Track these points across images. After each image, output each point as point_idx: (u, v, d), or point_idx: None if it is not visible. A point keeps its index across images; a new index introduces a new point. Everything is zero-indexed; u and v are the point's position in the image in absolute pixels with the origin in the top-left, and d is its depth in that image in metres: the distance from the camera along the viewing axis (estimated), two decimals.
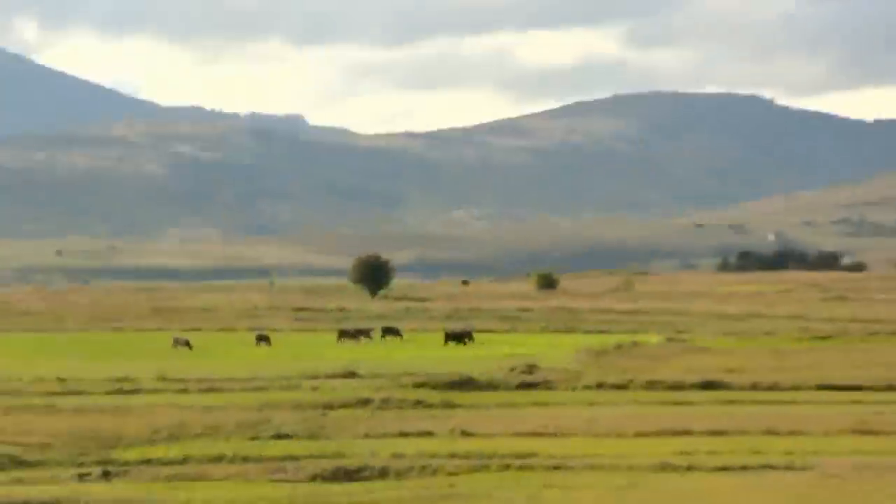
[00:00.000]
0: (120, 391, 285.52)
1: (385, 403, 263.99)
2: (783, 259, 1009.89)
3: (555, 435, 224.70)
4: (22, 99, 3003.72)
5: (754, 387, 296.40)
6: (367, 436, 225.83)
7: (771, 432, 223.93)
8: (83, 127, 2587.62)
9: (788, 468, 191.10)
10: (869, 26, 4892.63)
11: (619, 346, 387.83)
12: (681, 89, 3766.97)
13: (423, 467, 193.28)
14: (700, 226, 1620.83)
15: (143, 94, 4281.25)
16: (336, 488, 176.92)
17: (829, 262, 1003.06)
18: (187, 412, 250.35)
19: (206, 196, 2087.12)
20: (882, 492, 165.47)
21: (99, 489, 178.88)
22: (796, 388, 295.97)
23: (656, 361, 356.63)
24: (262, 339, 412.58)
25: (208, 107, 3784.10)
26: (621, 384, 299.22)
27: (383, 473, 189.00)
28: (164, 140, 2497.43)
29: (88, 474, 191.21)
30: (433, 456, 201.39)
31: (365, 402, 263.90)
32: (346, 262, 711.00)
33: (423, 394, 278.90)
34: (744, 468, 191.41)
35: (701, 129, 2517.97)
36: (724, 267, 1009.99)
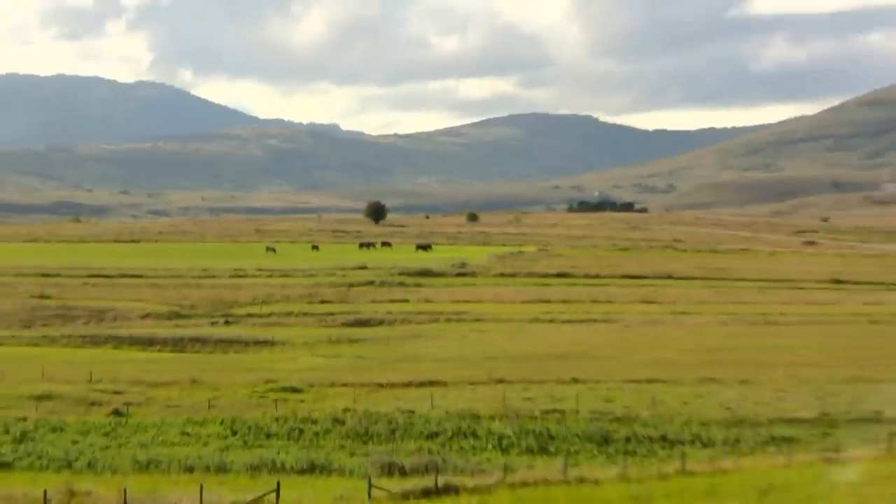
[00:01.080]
0: (247, 275, 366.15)
1: (382, 283, 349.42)
2: (603, 205, 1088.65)
3: (476, 301, 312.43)
4: (182, 115, 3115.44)
5: (586, 276, 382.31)
6: (372, 301, 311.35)
7: (595, 301, 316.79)
8: (217, 129, 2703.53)
9: (605, 321, 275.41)
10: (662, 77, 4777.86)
11: (511, 253, 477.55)
12: (548, 111, 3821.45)
13: (404, 319, 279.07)
14: (557, 187, 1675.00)
15: (252, 112, 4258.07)
16: (356, 330, 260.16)
17: (628, 207, 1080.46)
18: (272, 288, 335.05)
19: (285, 168, 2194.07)
20: (656, 334, 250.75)
21: (223, 330, 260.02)
22: (609, 276, 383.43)
23: (532, 262, 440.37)
24: (314, 247, 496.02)
25: (286, 118, 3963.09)
26: (513, 274, 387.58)
27: (381, 322, 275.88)
28: (261, 137, 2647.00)
29: (216, 322, 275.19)
30: (409, 313, 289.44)
31: (371, 283, 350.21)
32: (362, 205, 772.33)
33: (403, 278, 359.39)
34: (580, 321, 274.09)
35: (552, 135, 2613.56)
36: (570, 210, 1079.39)
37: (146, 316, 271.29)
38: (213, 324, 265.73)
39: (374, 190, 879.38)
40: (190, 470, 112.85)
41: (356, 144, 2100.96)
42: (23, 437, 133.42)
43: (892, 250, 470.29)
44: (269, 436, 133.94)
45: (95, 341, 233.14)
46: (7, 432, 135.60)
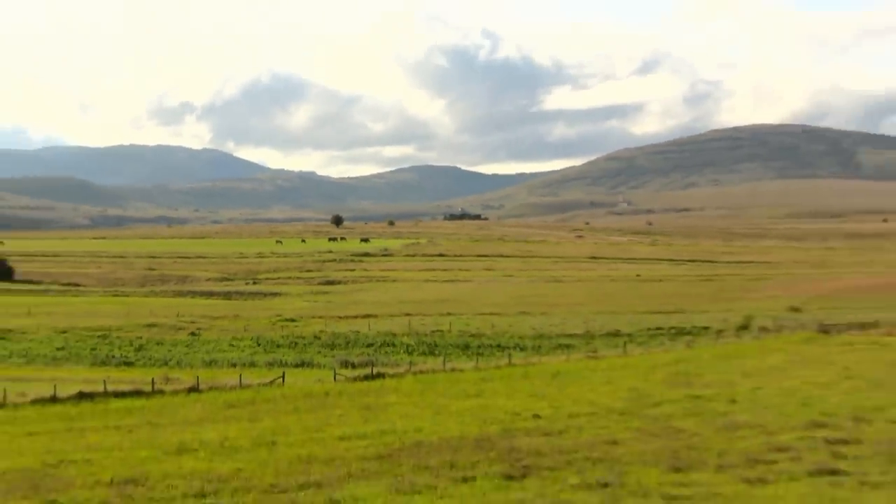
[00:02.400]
0: (265, 256, 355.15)
1: (341, 260, 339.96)
2: (463, 216, 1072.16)
3: (393, 270, 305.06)
4: (228, 166, 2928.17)
5: (454, 255, 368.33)
6: (335, 270, 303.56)
7: (460, 269, 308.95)
8: (247, 175, 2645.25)
9: (465, 281, 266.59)
10: (496, 144, 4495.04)
11: (413, 243, 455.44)
12: (432, 164, 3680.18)
13: (353, 280, 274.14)
14: (437, 206, 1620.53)
15: (267, 165, 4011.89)
16: (326, 286, 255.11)
17: (477, 217, 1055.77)
18: (279, 263, 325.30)
19: (285, 197, 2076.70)
20: (493, 288, 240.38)
21: (252, 287, 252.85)
22: (467, 255, 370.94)
23: (424, 248, 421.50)
24: (303, 240, 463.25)
25: (286, 168, 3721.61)
26: (413, 254, 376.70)
27: (340, 282, 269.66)
28: (273, 179, 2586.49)
29: (248, 282, 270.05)
30: (356, 276, 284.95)
31: (334, 260, 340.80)
32: (329, 217, 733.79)
33: (352, 257, 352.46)
34: (451, 281, 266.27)
35: (435, 177, 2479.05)
36: (445, 219, 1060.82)
37: (208, 280, 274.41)
38: (246, 284, 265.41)
39: (336, 208, 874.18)
40: (234, 365, 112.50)
41: (326, 183, 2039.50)
42: (140, 348, 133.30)
43: (623, 241, 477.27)
44: (278, 346, 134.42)
45: (180, 294, 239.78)
46: (131, 345, 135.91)
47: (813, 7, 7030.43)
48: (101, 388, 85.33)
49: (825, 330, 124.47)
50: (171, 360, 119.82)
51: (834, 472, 43.92)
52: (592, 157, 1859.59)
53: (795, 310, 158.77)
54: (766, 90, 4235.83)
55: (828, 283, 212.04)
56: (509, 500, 40.20)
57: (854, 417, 58.74)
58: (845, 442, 51.08)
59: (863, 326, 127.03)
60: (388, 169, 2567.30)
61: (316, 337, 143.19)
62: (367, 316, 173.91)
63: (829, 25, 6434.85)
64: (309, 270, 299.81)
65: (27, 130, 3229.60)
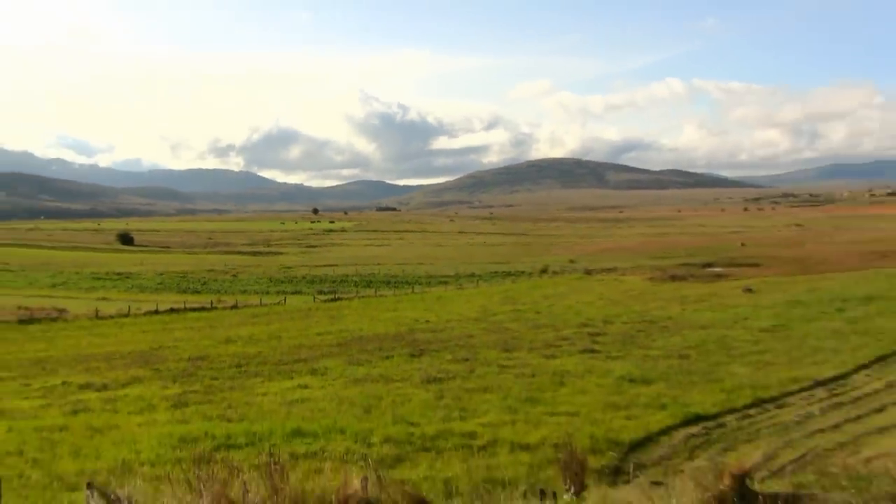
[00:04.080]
0: (275, 231, 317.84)
1: (317, 234, 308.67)
2: (387, 209, 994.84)
3: (347, 242, 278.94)
4: (255, 183, 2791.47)
5: (381, 231, 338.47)
6: (314, 239, 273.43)
7: (386, 238, 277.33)
8: (262, 187, 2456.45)
9: (388, 245, 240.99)
10: (405, 168, 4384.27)
11: (358, 224, 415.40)
12: (371, 179, 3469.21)
13: (325, 245, 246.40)
14: (380, 204, 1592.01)
15: (277, 180, 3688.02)
16: (309, 249, 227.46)
17: (395, 209, 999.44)
18: (282, 235, 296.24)
19: (285, 198, 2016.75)
20: (407, 249, 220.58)
21: (266, 249, 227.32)
22: (390, 231, 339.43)
23: (364, 226, 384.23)
24: (295, 222, 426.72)
25: (288, 182, 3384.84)
26: (358, 231, 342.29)
27: (317, 245, 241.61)
28: (280, 191, 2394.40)
29: (264, 248, 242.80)
30: (326, 243, 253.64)
31: (315, 234, 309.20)
32: (310, 209, 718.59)
33: (324, 233, 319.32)
34: (379, 245, 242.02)
35: (373, 188, 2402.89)
36: (379, 210, 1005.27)
37: (242, 244, 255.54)
38: (263, 247, 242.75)
39: (314, 204, 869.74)
40: (257, 293, 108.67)
41: (309, 190, 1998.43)
42: (204, 283, 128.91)
43: (476, 223, 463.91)
44: (281, 282, 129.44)
45: (226, 252, 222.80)
46: (198, 281, 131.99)
47: (580, 92, 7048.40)
48: (181, 306, 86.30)
49: (588, 272, 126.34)
50: (221, 290, 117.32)
51: (593, 351, 45.33)
52: (460, 176, 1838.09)
53: (572, 261, 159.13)
54: (556, 138, 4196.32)
55: (589, 247, 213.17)
56: (413, 368, 41.11)
57: (604, 320, 60.04)
58: (599, 334, 52.21)
59: (609, 270, 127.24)
60: (344, 182, 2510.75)
61: (303, 277, 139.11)
62: (332, 265, 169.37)
63: (589, 102, 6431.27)
64: (299, 240, 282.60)
65: (140, 159, 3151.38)
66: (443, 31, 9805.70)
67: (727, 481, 6.97)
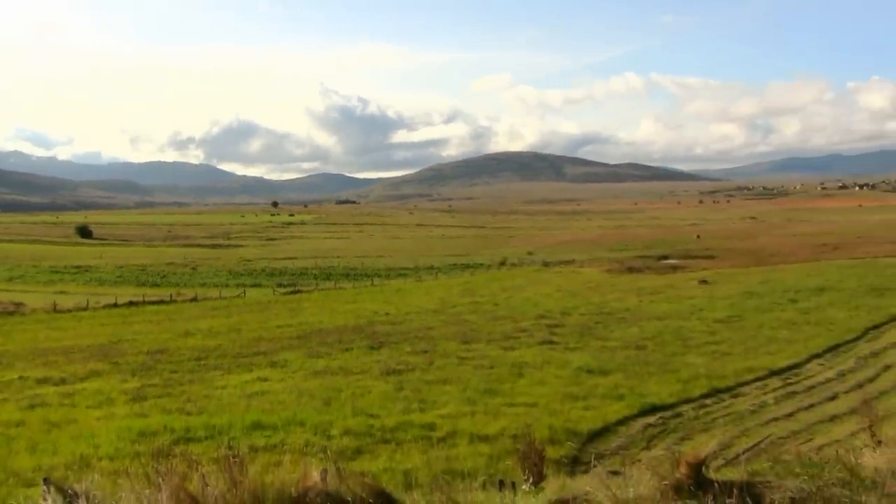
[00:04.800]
0: (235, 224, 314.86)
1: (277, 227, 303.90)
2: (346, 202, 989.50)
3: (307, 235, 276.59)
4: (213, 176, 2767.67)
5: (339, 224, 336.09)
6: (274, 232, 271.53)
7: (345, 231, 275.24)
8: (220, 180, 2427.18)
9: (347, 238, 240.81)
10: (365, 161, 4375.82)
11: (317, 217, 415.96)
12: (330, 172, 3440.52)
13: (285, 237, 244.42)
14: (340, 197, 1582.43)
15: (236, 173, 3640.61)
16: (269, 241, 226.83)
17: (355, 202, 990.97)
18: (242, 228, 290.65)
19: (244, 190, 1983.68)
20: (367, 242, 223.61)
21: (226, 242, 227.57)
22: (348, 223, 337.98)
23: (324, 219, 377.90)
24: (255, 214, 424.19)
25: (248, 175, 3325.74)
26: (318, 223, 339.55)
27: (276, 238, 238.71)
28: (240, 182, 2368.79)
29: (223, 240, 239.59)
30: (287, 236, 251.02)
31: (275, 226, 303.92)
32: (269, 202, 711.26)
33: (284, 225, 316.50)
34: (339, 238, 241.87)
35: (332, 181, 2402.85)
36: (339, 203, 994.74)
37: (202, 237, 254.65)
38: (223, 240, 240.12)
39: (274, 197, 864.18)
40: (216, 286, 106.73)
41: (269, 183, 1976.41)
42: (163, 276, 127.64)
43: (434, 215, 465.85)
44: (241, 275, 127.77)
45: (185, 245, 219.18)
46: (158, 274, 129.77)
47: (539, 86, 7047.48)
48: (141, 299, 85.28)
49: (546, 264, 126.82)
50: (180, 283, 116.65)
51: (551, 342, 45.44)
52: (419, 169, 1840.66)
53: (530, 253, 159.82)
54: (515, 132, 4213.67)
55: (548, 239, 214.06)
56: (372, 360, 41.05)
57: (562, 312, 60.23)
58: (557, 326, 52.35)
59: (567, 262, 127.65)
60: (305, 175, 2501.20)
61: (263, 270, 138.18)
62: (292, 258, 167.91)
63: (548, 96, 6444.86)
64: (258, 233, 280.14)
65: (100, 152, 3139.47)
66: (403, 25, 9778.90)
67: (683, 470, 7.05)
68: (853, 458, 7.62)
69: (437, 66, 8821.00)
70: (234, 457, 8.24)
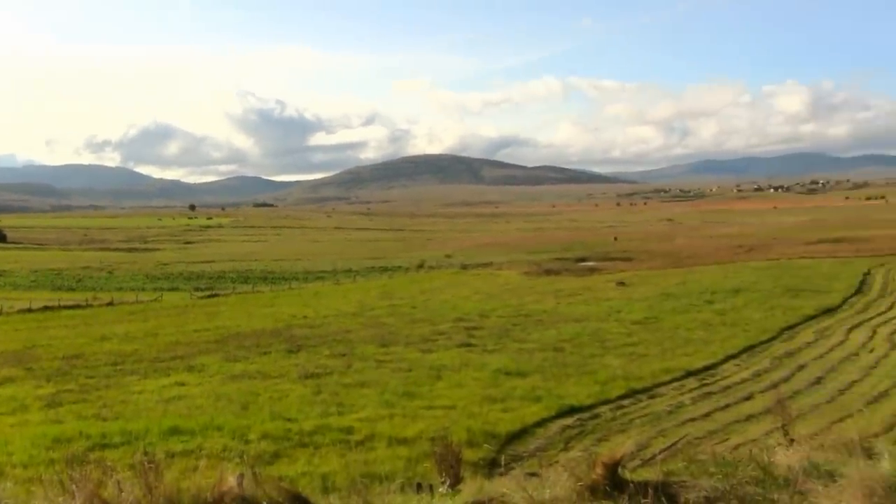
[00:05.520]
0: (146, 228, 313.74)
1: (194, 230, 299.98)
2: (264, 205, 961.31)
3: (224, 238, 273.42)
4: (134, 181, 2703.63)
5: (257, 226, 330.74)
6: (191, 235, 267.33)
7: (262, 234, 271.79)
8: (137, 184, 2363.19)
9: (264, 241, 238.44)
10: (282, 163, 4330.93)
11: (236, 220, 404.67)
12: (247, 175, 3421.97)
13: (202, 241, 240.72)
14: (257, 200, 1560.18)
15: (153, 175, 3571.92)
16: (187, 244, 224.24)
17: (272, 205, 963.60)
18: (159, 231, 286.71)
19: (161, 195, 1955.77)
20: (285, 245, 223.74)
21: (144, 246, 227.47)
22: (267, 227, 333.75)
23: (241, 222, 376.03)
24: (161, 218, 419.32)
25: (164, 178, 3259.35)
26: (235, 227, 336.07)
27: (195, 242, 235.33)
28: (158, 186, 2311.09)
29: (141, 243, 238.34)
30: (204, 239, 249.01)
31: (192, 230, 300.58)
32: (186, 206, 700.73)
33: (201, 228, 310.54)
34: (256, 241, 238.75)
35: (249, 185, 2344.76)
36: (256, 206, 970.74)
37: (118, 240, 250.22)
38: (140, 243, 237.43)
39: (192, 200, 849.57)
40: (133, 290, 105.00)
41: (187, 186, 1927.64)
42: (79, 280, 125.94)
43: (353, 218, 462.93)
44: (158, 279, 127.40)
45: (102, 249, 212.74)
46: (73, 278, 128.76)
47: (458, 89, 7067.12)
48: (56, 304, 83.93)
49: (465, 267, 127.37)
50: (97, 287, 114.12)
51: (469, 345, 45.70)
52: (337, 172, 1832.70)
53: (449, 256, 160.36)
54: (434, 135, 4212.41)
55: (466, 242, 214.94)
56: (290, 364, 41.02)
57: (480, 315, 60.40)
58: (475, 328, 52.58)
59: (485, 265, 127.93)
60: (222, 178, 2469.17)
61: (180, 274, 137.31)
62: (209, 261, 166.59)
63: (467, 99, 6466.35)
64: (176, 236, 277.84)
65: (14, 155, 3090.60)
66: (322, 26, 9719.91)
67: (599, 471, 7.10)
68: (766, 457, 7.72)
69: (356, 68, 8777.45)
70: (149, 462, 8.15)
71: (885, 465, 7.05)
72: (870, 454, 7.52)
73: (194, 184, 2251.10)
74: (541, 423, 27.69)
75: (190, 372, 40.06)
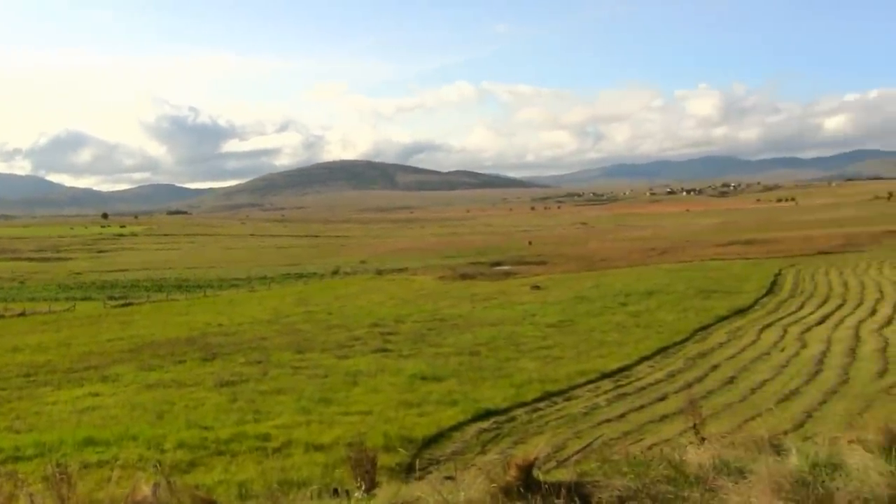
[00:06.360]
0: (58, 237, 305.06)
1: (107, 238, 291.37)
2: (178, 212, 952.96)
3: (138, 244, 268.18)
4: (47, 190, 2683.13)
5: (174, 235, 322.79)
6: (105, 244, 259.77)
7: (191, 241, 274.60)
8: (51, 193, 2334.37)
9: (176, 249, 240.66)
10: (185, 169, 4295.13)
11: (150, 228, 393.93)
12: (160, 182, 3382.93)
13: (116, 249, 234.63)
14: (170, 208, 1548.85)
15: (65, 184, 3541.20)
16: (101, 252, 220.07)
17: (186, 213, 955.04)
18: (72, 240, 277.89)
19: (74, 202, 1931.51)
20: (207, 252, 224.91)
21: (55, 255, 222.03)
22: (184, 235, 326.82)
23: (155, 230, 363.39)
24: (74, 226, 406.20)
25: (78, 187, 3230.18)
26: (149, 235, 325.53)
27: (109, 251, 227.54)
28: (69, 195, 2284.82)
29: (53, 253, 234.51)
30: (118, 248, 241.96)
31: (103, 238, 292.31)
32: (99, 215, 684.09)
33: (114, 237, 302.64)
34: (169, 249, 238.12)
35: (162, 192, 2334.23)
36: (170, 214, 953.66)
37: (30, 250, 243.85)
38: (52, 253, 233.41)
39: (105, 208, 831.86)
40: (45, 300, 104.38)
41: (100, 194, 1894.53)
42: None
43: (267, 225, 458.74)
44: (71, 288, 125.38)
45: (12, 259, 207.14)
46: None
47: (372, 94, 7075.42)
48: None
49: (380, 272, 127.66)
50: (7, 297, 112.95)
51: (385, 350, 45.66)
52: (251, 178, 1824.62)
53: (363, 262, 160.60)
54: (348, 140, 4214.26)
55: (381, 247, 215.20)
56: (206, 372, 40.75)
57: (395, 320, 60.48)
58: (391, 333, 52.59)
59: (400, 270, 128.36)
60: (135, 185, 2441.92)
61: (93, 283, 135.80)
62: (123, 270, 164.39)
63: (381, 105, 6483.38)
64: (88, 245, 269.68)
65: None
66: (237, 32, 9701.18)
67: (513, 473, 7.14)
68: (678, 456, 7.82)
69: (271, 74, 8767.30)
70: (62, 474, 8.05)
71: (792, 460, 7.20)
72: (778, 451, 7.66)
73: (107, 192, 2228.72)
74: (457, 427, 27.76)
75: (104, 382, 39.43)
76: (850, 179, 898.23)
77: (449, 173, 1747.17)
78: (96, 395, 36.07)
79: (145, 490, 7.71)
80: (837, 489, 6.60)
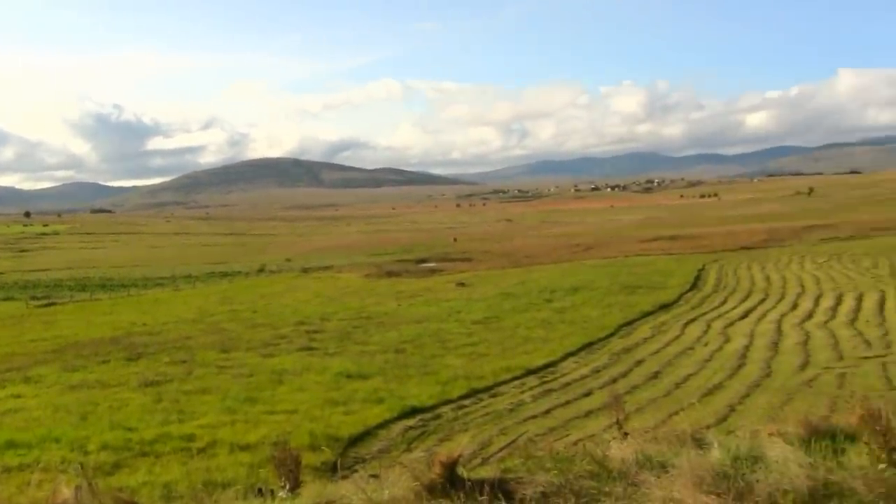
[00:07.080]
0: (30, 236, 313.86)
1: (29, 238, 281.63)
2: (102, 210, 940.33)
3: (61, 243, 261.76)
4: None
5: (98, 234, 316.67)
6: (26, 243, 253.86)
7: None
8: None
9: (110, 247, 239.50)
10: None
11: (73, 227, 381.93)
12: (98, 181, 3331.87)
13: (38, 249, 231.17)
14: (94, 206, 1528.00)
15: (17, 187, 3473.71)
16: (22, 253, 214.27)
17: (110, 211, 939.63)
18: (41, 241, 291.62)
19: (36, 202, 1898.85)
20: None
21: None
22: (108, 233, 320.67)
23: (78, 229, 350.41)
24: (32, 223, 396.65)
25: (2, 185, 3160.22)
26: (72, 234, 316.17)
27: (31, 250, 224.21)
28: (28, 196, 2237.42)
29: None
30: (40, 247, 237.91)
31: (25, 238, 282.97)
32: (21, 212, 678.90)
33: (37, 236, 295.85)
34: (100, 248, 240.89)
35: (93, 191, 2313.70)
36: (93, 212, 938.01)
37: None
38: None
39: (28, 207, 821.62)
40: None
41: (22, 192, 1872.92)
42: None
43: (192, 223, 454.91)
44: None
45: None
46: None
47: (297, 91, 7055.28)
48: None
49: (305, 270, 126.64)
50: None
51: (311, 348, 45.77)
52: (176, 176, 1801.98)
53: (289, 260, 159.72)
54: (274, 138, 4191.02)
55: (306, 245, 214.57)
56: (130, 372, 40.41)
57: (321, 318, 60.41)
58: (317, 331, 52.61)
59: (325, 268, 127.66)
60: (59, 184, 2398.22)
61: (15, 283, 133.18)
62: (45, 269, 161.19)
63: (306, 102, 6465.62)
64: (10, 244, 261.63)
65: None
66: (161, 30, 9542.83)
67: (437, 470, 7.17)
68: (601, 451, 7.90)
69: (195, 70, 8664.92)
70: None
71: (714, 454, 7.32)
72: (701, 445, 7.79)
73: (29, 190, 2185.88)
74: (383, 425, 27.97)
75: (26, 383, 39.00)
76: (771, 175, 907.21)
77: (375, 171, 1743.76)
78: (18, 396, 35.72)
79: (66, 493, 7.63)
80: (758, 481, 6.72)
